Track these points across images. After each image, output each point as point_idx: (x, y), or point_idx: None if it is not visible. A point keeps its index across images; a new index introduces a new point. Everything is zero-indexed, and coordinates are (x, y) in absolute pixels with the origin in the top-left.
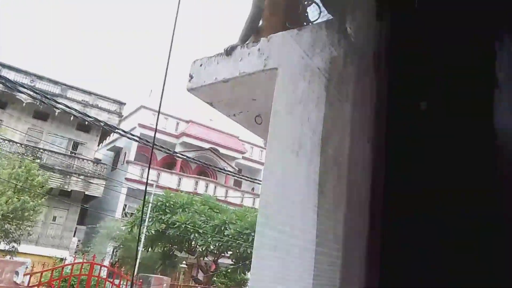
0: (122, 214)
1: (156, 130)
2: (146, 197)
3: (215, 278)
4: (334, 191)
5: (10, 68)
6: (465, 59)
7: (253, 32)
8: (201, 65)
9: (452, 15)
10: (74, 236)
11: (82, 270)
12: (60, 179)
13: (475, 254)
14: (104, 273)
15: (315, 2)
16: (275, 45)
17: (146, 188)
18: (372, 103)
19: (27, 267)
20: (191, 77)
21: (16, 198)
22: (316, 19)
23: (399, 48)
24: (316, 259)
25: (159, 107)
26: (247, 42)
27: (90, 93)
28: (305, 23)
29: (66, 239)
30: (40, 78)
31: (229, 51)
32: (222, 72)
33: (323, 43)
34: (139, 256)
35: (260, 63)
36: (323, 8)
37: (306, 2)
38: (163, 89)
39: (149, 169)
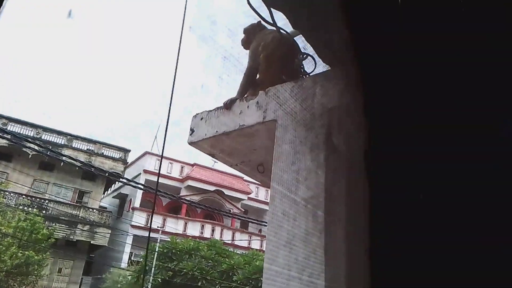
0: (128, 262)
1: (159, 176)
2: (152, 244)
3: None
4: (339, 235)
5: (16, 121)
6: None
7: (250, 85)
8: (201, 119)
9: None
10: (79, 287)
11: None
12: (65, 229)
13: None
14: None
15: (310, 55)
16: (272, 98)
17: (149, 234)
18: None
19: None
20: (192, 131)
21: (21, 253)
22: (312, 71)
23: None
24: None
25: (162, 152)
26: (245, 96)
27: (95, 142)
28: (301, 75)
29: None
30: (46, 129)
31: (228, 105)
32: (223, 126)
33: (319, 94)
34: None
35: (259, 116)
36: (318, 60)
37: (301, 56)
38: (165, 134)
39: (152, 215)
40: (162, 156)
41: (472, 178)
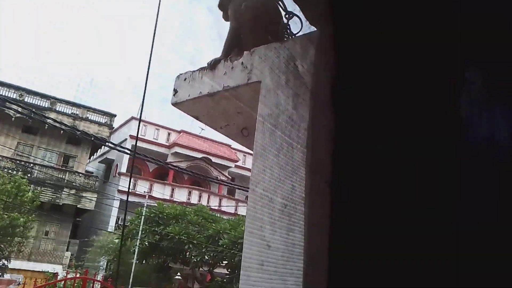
0: (115, 226)
1: (137, 138)
2: (139, 208)
3: None
4: (322, 203)
5: None
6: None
7: (235, 46)
8: (185, 80)
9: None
10: (67, 250)
11: (75, 285)
12: (51, 193)
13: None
14: (97, 287)
15: (297, 15)
16: (258, 59)
17: (127, 196)
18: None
19: (19, 284)
20: (175, 91)
21: (6, 215)
22: (298, 32)
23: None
24: (305, 276)
25: (140, 112)
26: (230, 56)
27: (79, 106)
28: (287, 36)
29: (58, 253)
30: (29, 92)
31: (212, 66)
32: (207, 86)
33: (305, 56)
34: (132, 269)
35: (244, 77)
36: (305, 21)
37: (287, 16)
38: (144, 96)
39: (130, 177)
40: (140, 116)
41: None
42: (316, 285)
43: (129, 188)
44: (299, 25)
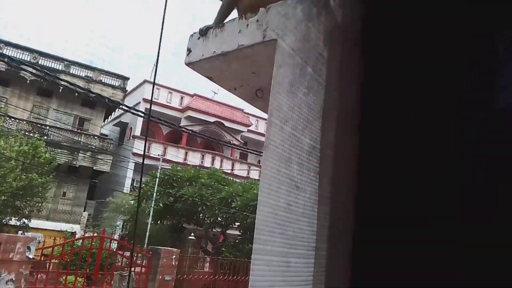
0: (130, 188)
1: (151, 102)
2: (153, 171)
3: (223, 249)
4: (333, 176)
5: (12, 45)
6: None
7: (229, 14)
8: (199, 38)
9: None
10: (84, 210)
11: (93, 244)
12: (67, 155)
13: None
14: (114, 245)
15: None
16: (274, 16)
17: (143, 159)
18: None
19: (39, 242)
20: (189, 51)
21: (24, 175)
22: None
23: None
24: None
25: (154, 76)
26: (244, 14)
27: (93, 69)
28: None
29: (76, 213)
30: (42, 54)
31: (204, 31)
32: (220, 46)
33: (324, 12)
34: (147, 229)
35: (259, 35)
36: None
37: None
38: (157, 58)
39: (146, 141)
40: (154, 81)
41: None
42: (342, 230)
43: (144, 151)
44: None
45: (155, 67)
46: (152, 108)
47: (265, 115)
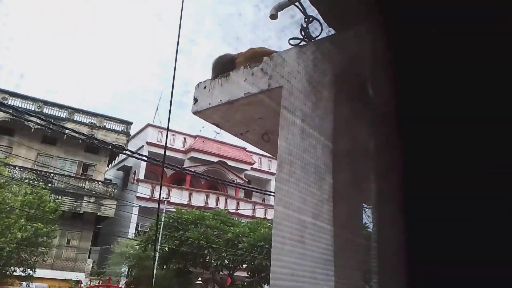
0: (135, 233)
1: (166, 148)
2: (158, 214)
3: None
4: (349, 206)
5: (17, 95)
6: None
7: (226, 71)
8: (205, 88)
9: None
10: (88, 257)
11: None
12: (71, 202)
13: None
14: None
15: (316, 19)
16: (277, 64)
17: (159, 204)
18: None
19: None
20: (195, 100)
21: (29, 225)
22: (318, 35)
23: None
24: (336, 276)
25: (168, 124)
26: (249, 63)
27: (96, 115)
28: (306, 40)
29: (81, 261)
30: (47, 103)
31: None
32: (227, 94)
33: (326, 59)
34: (153, 275)
35: (264, 83)
36: (324, 24)
37: (307, 19)
38: (170, 107)
39: (161, 187)
40: (167, 128)
41: None
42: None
43: (160, 197)
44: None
45: (169, 114)
46: (155, 150)
47: (267, 153)
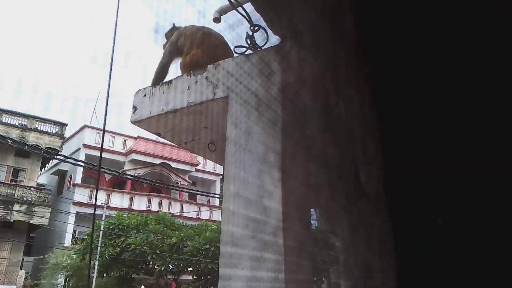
0: (72, 241)
1: (101, 152)
2: (97, 221)
3: None
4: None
5: None
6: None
7: (165, 75)
8: (145, 95)
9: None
10: (21, 269)
11: None
12: (1, 210)
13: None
14: None
15: (262, 27)
16: (223, 73)
17: (94, 209)
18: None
19: None
20: (135, 108)
21: None
22: (264, 44)
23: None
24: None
25: (104, 125)
26: (192, 71)
27: (27, 116)
28: (253, 49)
29: (12, 273)
30: None
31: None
32: (169, 103)
33: (273, 69)
34: (93, 284)
35: (209, 92)
36: (270, 33)
37: (253, 28)
38: (106, 107)
39: (96, 193)
40: (104, 130)
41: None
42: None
43: (96, 202)
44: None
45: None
46: (93, 153)
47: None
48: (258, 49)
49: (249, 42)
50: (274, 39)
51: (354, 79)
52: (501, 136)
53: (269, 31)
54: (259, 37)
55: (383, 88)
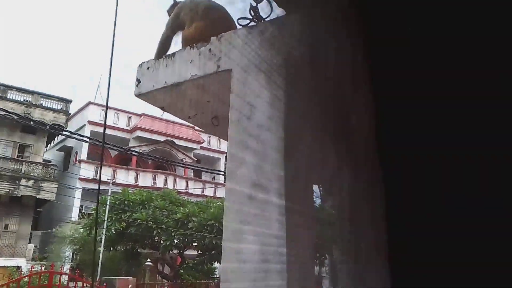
0: (78, 216)
1: (105, 128)
2: (103, 196)
3: (182, 271)
4: (302, 188)
5: None
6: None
7: (168, 47)
8: (148, 68)
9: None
10: (29, 242)
11: (42, 278)
12: (8, 185)
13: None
14: (65, 278)
15: None
16: (226, 45)
17: (99, 185)
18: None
19: None
20: (138, 81)
21: None
22: (268, 16)
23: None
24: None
25: (107, 102)
26: (196, 43)
27: (32, 93)
28: (256, 21)
29: (21, 246)
30: None
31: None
32: (172, 76)
33: (276, 41)
34: (100, 258)
35: (213, 65)
36: (274, 4)
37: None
38: (109, 84)
39: (100, 169)
40: (107, 106)
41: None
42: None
43: (100, 177)
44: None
45: (107, 93)
46: (98, 130)
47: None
48: (262, 21)
49: (252, 13)
50: (279, 11)
51: (358, 53)
52: (501, 133)
53: (274, 3)
54: (263, 9)
55: (383, 66)
